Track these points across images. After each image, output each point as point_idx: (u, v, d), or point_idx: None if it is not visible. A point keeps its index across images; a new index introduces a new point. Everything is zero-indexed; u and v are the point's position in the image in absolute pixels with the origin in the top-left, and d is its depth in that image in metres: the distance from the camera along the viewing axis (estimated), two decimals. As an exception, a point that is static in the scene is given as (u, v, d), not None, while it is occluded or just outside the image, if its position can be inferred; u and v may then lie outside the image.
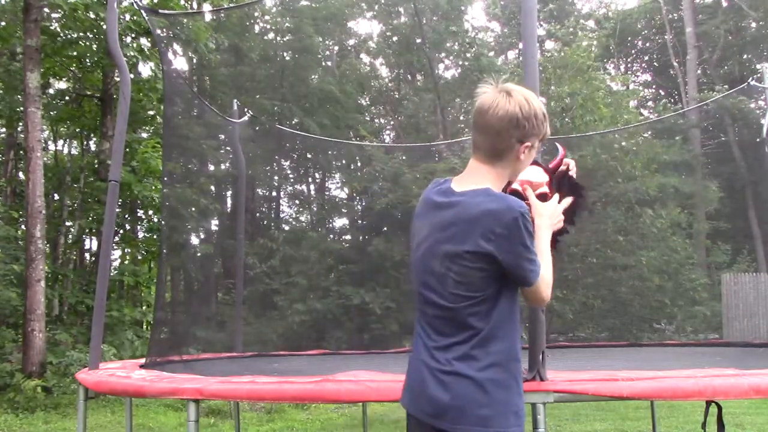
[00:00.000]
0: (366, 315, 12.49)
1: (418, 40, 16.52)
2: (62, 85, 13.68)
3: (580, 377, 2.42)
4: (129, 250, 13.60)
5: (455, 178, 1.76)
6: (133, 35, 10.59)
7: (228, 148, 11.78)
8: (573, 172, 2.21)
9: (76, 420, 3.39)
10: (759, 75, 6.47)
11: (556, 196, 1.95)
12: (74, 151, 15.43)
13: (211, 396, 2.62)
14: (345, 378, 2.55)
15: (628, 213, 13.44)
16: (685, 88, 20.02)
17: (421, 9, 15.55)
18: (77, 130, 13.63)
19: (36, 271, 8.46)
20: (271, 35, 17.47)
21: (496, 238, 1.58)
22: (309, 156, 17.26)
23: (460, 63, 16.97)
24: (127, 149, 9.99)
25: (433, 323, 1.69)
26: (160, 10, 7.46)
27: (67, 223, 12.94)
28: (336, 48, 18.64)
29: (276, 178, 16.85)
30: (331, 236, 15.77)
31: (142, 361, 4.06)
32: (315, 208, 15.89)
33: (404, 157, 13.35)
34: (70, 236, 13.17)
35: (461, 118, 16.19)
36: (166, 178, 9.34)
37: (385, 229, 14.24)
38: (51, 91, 13.30)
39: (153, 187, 11.18)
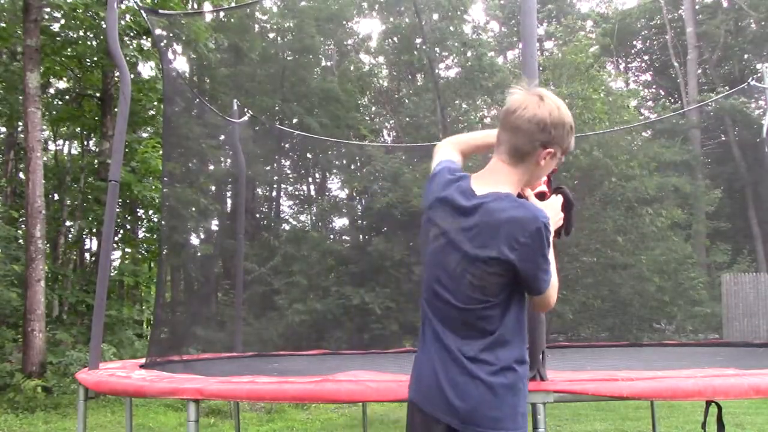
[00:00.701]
0: (366, 315, 12.49)
1: (419, 40, 16.53)
2: (62, 84, 13.69)
3: (580, 377, 2.42)
4: (129, 250, 13.60)
5: (475, 177, 1.75)
6: (133, 34, 10.59)
7: (228, 148, 11.78)
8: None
9: (76, 420, 3.39)
10: (759, 75, 6.47)
11: (557, 197, 1.95)
12: (74, 151, 15.44)
13: (211, 396, 2.62)
14: (345, 378, 2.55)
15: (628, 213, 13.44)
16: (685, 88, 20.02)
17: (421, 9, 15.54)
18: (77, 130, 13.62)
19: (36, 271, 8.46)
20: (271, 35, 17.47)
21: (519, 246, 1.59)
22: (309, 156, 17.26)
23: (461, 63, 16.95)
24: (127, 149, 9.99)
25: (444, 319, 1.69)
26: (160, 10, 7.45)
27: (67, 223, 12.94)
28: (336, 48, 18.63)
29: (276, 178, 16.85)
30: (331, 236, 15.77)
31: (142, 361, 4.06)
32: (315, 208, 15.88)
33: (404, 157, 13.35)
34: (70, 236, 13.16)
35: (461, 118, 16.18)
36: (166, 178, 9.34)
37: (385, 229, 14.24)
38: (51, 90, 13.30)
39: (153, 187, 11.18)
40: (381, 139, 18.06)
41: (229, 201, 15.54)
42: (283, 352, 6.69)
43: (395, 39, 17.61)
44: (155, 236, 12.60)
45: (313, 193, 18.07)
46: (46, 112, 12.27)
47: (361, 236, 15.33)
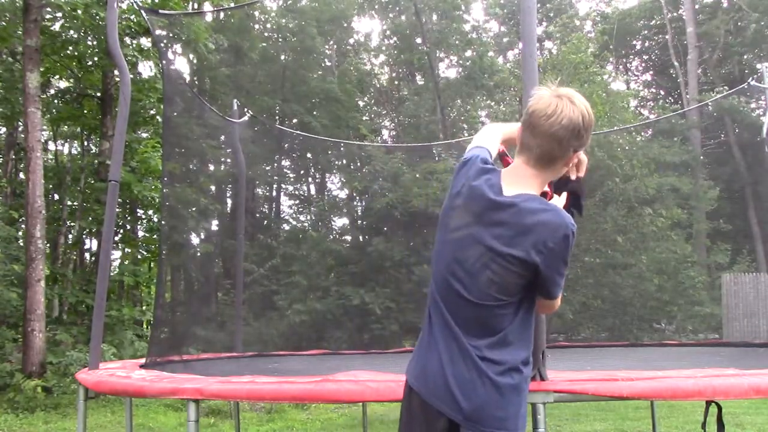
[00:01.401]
0: (366, 315, 12.49)
1: (419, 40, 16.52)
2: (62, 84, 13.69)
3: (580, 377, 2.42)
4: (129, 250, 13.60)
5: (503, 176, 1.70)
6: (133, 33, 10.58)
7: (227, 148, 11.78)
8: (582, 170, 2.16)
9: (76, 420, 3.39)
10: (759, 75, 6.46)
11: (560, 198, 1.95)
12: (74, 151, 15.43)
13: (211, 396, 2.62)
14: (345, 378, 2.55)
15: (628, 213, 13.44)
16: (685, 88, 20.02)
17: (421, 9, 15.54)
18: (77, 130, 13.63)
19: (36, 271, 8.46)
20: (271, 35, 17.47)
21: (546, 251, 1.59)
22: (309, 156, 17.26)
23: (461, 63, 16.96)
24: (127, 149, 9.99)
25: (454, 312, 1.67)
26: (160, 10, 7.45)
27: (68, 223, 12.94)
28: (335, 47, 18.63)
29: (276, 178, 16.85)
30: (331, 236, 15.76)
31: (142, 361, 4.06)
32: (315, 208, 15.88)
33: (404, 157, 13.34)
34: (70, 236, 13.16)
35: (461, 118, 16.19)
36: (166, 178, 9.33)
37: (385, 229, 14.23)
38: (51, 90, 13.29)
39: (153, 187, 11.18)
40: (381, 139, 18.06)
41: (229, 201, 15.55)
42: (283, 352, 6.69)
43: (395, 39, 17.61)
44: (155, 236, 12.59)
45: (313, 193, 18.08)
46: (46, 112, 12.27)
47: (361, 236, 15.33)
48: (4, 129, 14.16)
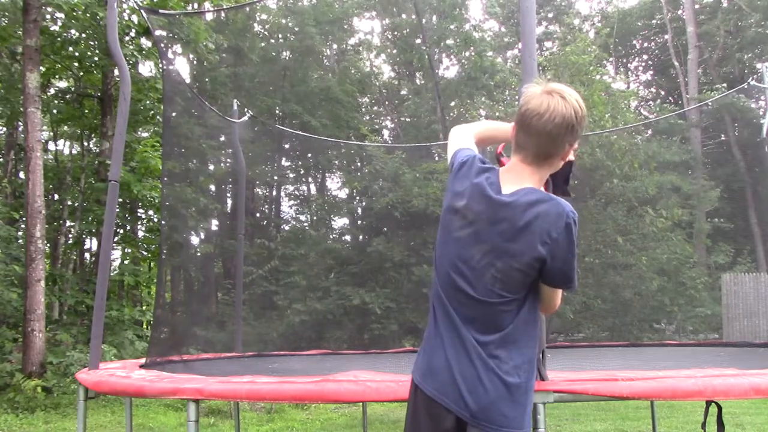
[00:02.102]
0: (366, 315, 12.49)
1: (419, 40, 16.52)
2: (62, 84, 13.68)
3: (580, 377, 2.42)
4: (129, 250, 13.60)
5: (501, 174, 1.72)
6: (133, 32, 10.58)
7: (227, 148, 11.79)
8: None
9: (76, 420, 3.39)
10: (759, 75, 6.47)
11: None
12: (74, 151, 15.43)
13: (211, 396, 2.62)
14: (345, 378, 2.55)
15: (629, 213, 13.45)
16: (685, 88, 20.02)
17: (421, 9, 15.54)
18: (77, 130, 13.62)
19: (36, 271, 8.46)
20: (272, 35, 17.47)
21: (551, 241, 1.60)
22: (309, 156, 17.26)
23: (461, 62, 16.96)
24: (127, 149, 9.99)
25: (461, 310, 1.68)
26: (161, 11, 7.45)
27: (68, 224, 12.94)
28: (335, 47, 18.64)
29: (276, 178, 16.85)
30: (331, 236, 15.76)
31: (142, 361, 4.06)
32: (315, 208, 15.88)
33: (404, 157, 13.34)
34: (70, 236, 13.17)
35: (461, 119, 16.18)
36: (165, 178, 9.35)
37: (385, 229, 14.23)
38: (51, 90, 13.30)
39: (152, 187, 11.17)
40: (381, 138, 18.06)
41: (229, 201, 15.56)
42: (282, 352, 6.69)
43: (395, 39, 17.61)
44: (155, 236, 12.59)
45: (313, 193, 18.08)
46: (47, 112, 12.27)
47: (361, 236, 15.33)
48: (4, 129, 14.17)
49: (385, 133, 19.06)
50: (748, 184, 17.66)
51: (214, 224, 15.22)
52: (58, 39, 10.78)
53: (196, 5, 14.15)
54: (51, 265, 11.90)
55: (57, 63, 11.48)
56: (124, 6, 9.89)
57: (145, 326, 12.25)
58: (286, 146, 17.03)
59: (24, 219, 9.84)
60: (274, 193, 17.81)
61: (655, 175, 13.84)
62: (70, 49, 11.08)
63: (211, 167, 14.50)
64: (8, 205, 11.99)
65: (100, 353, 3.58)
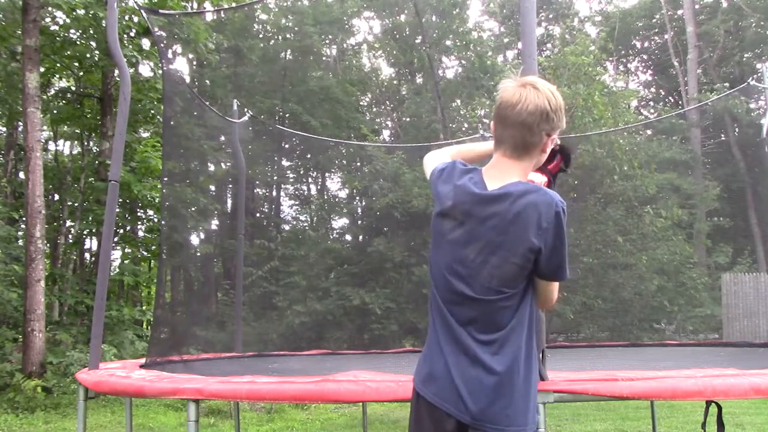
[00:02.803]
0: (366, 315, 12.49)
1: (418, 40, 16.53)
2: (63, 84, 13.68)
3: (580, 377, 2.42)
4: (129, 250, 13.60)
5: (484, 172, 1.74)
6: (133, 33, 10.59)
7: (227, 149, 11.79)
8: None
9: (76, 420, 3.39)
10: (759, 75, 6.47)
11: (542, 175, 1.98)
12: (74, 151, 15.44)
13: (211, 396, 2.62)
14: (345, 378, 2.55)
15: (629, 213, 13.46)
16: (685, 88, 20.02)
17: (421, 9, 15.53)
18: (77, 130, 13.63)
19: (36, 271, 8.46)
20: (271, 35, 17.47)
21: (542, 231, 1.61)
22: (309, 156, 17.26)
23: (462, 63, 16.97)
24: (127, 149, 9.99)
25: (459, 313, 1.68)
26: (161, 11, 7.45)
27: (68, 224, 12.94)
28: (336, 47, 18.64)
29: (276, 178, 16.85)
30: (331, 236, 15.76)
31: (142, 361, 4.06)
32: (315, 208, 15.88)
33: (404, 157, 13.34)
34: (70, 236, 13.17)
35: (461, 119, 16.18)
36: (165, 178, 9.35)
37: (386, 229, 14.23)
38: (51, 90, 13.30)
39: (152, 187, 11.17)
40: (381, 139, 18.06)
41: (229, 201, 15.56)
42: (282, 352, 6.69)
43: (395, 38, 17.61)
44: (155, 236, 12.59)
45: (313, 193, 18.08)
46: (47, 112, 12.27)
47: (361, 236, 15.33)
48: (4, 129, 14.17)
49: (385, 133, 19.07)
50: (748, 184, 17.66)
51: (214, 224, 15.22)
52: (58, 39, 10.79)
53: (195, 5, 14.16)
54: (51, 265, 11.90)
55: (57, 63, 11.48)
56: (124, 5, 9.88)
57: (145, 326, 12.26)
58: (286, 146, 17.03)
59: (24, 219, 9.85)
60: (274, 193, 17.81)
61: (655, 175, 13.84)
62: (69, 52, 11.08)
63: (212, 167, 14.50)
64: (8, 205, 12.00)
65: (100, 353, 3.58)
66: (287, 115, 16.43)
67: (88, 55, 11.20)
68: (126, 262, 13.31)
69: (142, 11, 5.85)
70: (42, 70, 10.38)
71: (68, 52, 11.12)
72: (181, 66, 15.66)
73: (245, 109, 7.15)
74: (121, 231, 12.54)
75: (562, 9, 21.36)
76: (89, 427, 6.73)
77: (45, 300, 8.77)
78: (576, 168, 12.57)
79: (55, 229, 12.51)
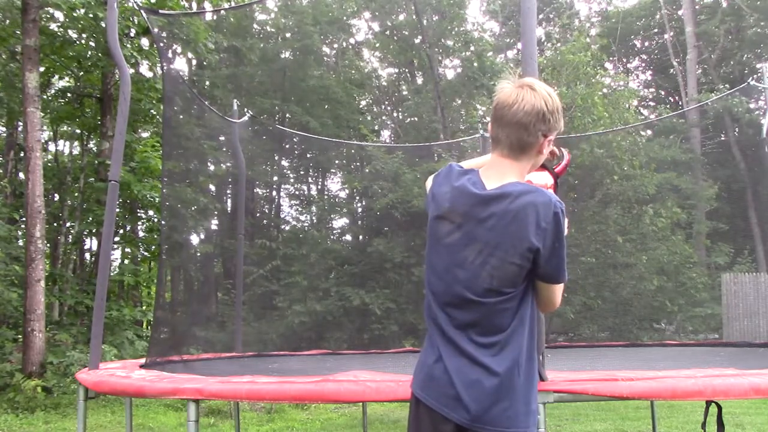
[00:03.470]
0: (366, 316, 12.48)
1: (418, 40, 16.52)
2: (63, 83, 13.68)
3: (580, 377, 2.42)
4: (129, 250, 13.60)
5: (482, 172, 1.73)
6: (133, 32, 10.59)
7: (226, 149, 11.79)
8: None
9: (76, 420, 3.39)
10: (759, 75, 6.47)
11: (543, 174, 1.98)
12: (74, 151, 15.44)
13: (211, 396, 2.62)
14: (345, 378, 2.56)
15: (629, 213, 13.46)
16: (685, 88, 20.02)
17: (421, 8, 15.53)
18: (77, 130, 13.63)
19: (36, 271, 8.46)
20: (271, 34, 17.47)
21: (541, 231, 1.61)
22: (309, 156, 17.26)
23: (461, 61, 16.96)
24: (127, 149, 9.99)
25: (459, 316, 1.67)
26: (160, 11, 7.46)
27: (68, 224, 12.94)
28: (336, 47, 18.64)
29: (276, 178, 16.85)
30: (332, 237, 15.75)
31: (142, 361, 4.06)
32: (315, 208, 15.88)
33: (404, 157, 13.34)
34: (70, 236, 13.18)
35: (461, 118, 16.18)
36: (165, 178, 9.35)
37: (386, 229, 14.22)
38: (51, 90, 13.30)
39: (152, 187, 11.18)
40: (381, 139, 18.05)
41: (229, 201, 15.55)
42: (282, 352, 6.68)
43: (395, 38, 17.61)
44: (155, 236, 12.59)
45: (313, 193, 18.07)
46: (47, 112, 12.26)
47: (361, 237, 15.32)
48: (4, 129, 14.17)
49: (385, 133, 19.06)
50: (748, 184, 17.66)
51: (214, 224, 15.21)
52: (58, 39, 10.78)
53: (195, 5, 14.16)
54: (51, 265, 11.90)
55: (57, 63, 11.48)
56: (124, 4, 9.88)
57: (145, 326, 12.25)
58: (286, 146, 17.02)
59: (24, 219, 9.85)
60: (274, 193, 17.80)
61: (655, 175, 13.84)
62: (69, 52, 11.07)
63: (211, 167, 14.49)
64: (8, 205, 12.00)
65: (100, 353, 3.58)
66: (287, 115, 16.42)
67: (89, 53, 11.20)
68: (126, 262, 13.32)
69: (142, 11, 5.86)
70: (42, 69, 10.38)
71: (68, 52, 11.12)
72: (181, 66, 15.66)
73: (245, 109, 7.16)
74: (121, 231, 12.54)
75: (562, 9, 21.34)
76: (89, 427, 6.73)
77: (45, 300, 8.77)
78: (576, 168, 12.58)
79: (55, 229, 12.51)
